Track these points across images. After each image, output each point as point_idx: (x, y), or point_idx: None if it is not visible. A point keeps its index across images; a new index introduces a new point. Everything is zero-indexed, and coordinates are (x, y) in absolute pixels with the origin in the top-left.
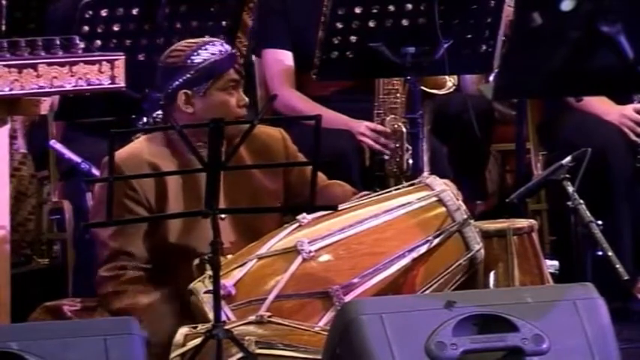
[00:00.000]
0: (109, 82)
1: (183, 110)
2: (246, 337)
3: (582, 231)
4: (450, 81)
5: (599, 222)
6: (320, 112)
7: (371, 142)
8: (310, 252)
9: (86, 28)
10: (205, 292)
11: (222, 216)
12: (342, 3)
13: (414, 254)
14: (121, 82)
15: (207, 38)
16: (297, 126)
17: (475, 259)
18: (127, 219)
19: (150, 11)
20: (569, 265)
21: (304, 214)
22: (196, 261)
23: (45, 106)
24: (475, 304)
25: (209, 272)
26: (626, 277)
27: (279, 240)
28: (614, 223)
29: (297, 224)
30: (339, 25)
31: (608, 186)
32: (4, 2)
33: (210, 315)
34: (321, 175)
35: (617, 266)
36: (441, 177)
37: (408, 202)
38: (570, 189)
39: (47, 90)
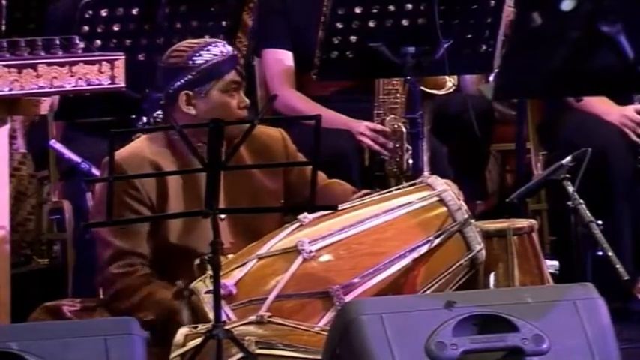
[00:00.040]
0: (109, 82)
1: (185, 111)
2: (247, 337)
3: (582, 231)
4: (450, 81)
5: (599, 222)
6: (320, 112)
7: (370, 143)
8: (311, 252)
9: (86, 28)
10: (206, 292)
11: (222, 216)
12: (342, 3)
13: (415, 254)
14: (120, 82)
15: (209, 39)
16: (297, 126)
17: (476, 259)
18: (127, 219)
19: (150, 11)
20: (569, 265)
21: (305, 214)
22: (197, 261)
23: (45, 106)
24: (475, 304)
25: (210, 272)
26: (626, 277)
27: (280, 240)
28: (614, 223)
29: (297, 224)
30: (339, 25)
31: (608, 186)
32: (4, 2)
33: (211, 315)
34: (321, 174)
35: (617, 266)
36: (442, 177)
37: (409, 202)
38: (570, 189)
39: (47, 90)
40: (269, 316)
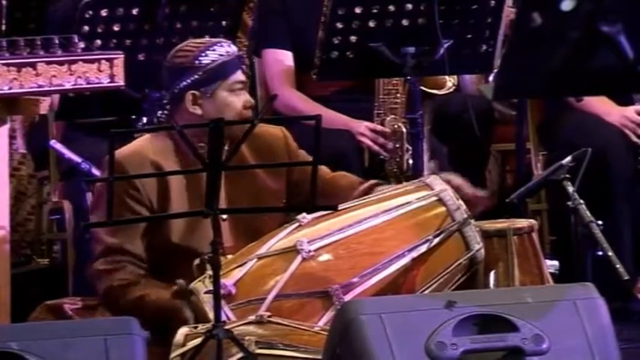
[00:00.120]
0: (108, 80)
1: (191, 111)
2: (247, 337)
3: (582, 231)
4: (450, 81)
5: (600, 222)
6: (320, 112)
7: (369, 143)
8: (310, 251)
9: (86, 27)
10: (205, 292)
11: (224, 216)
12: (342, 3)
13: (414, 254)
14: (120, 81)
15: (214, 39)
16: (298, 126)
17: (475, 258)
18: (128, 219)
19: (150, 11)
20: (569, 265)
21: (304, 214)
22: (196, 261)
23: (44, 106)
24: (475, 304)
25: (209, 272)
26: (626, 277)
27: (279, 240)
28: (615, 223)
29: (296, 224)
30: (339, 25)
31: (608, 186)
32: (4, 2)
33: (211, 315)
34: (325, 169)
35: (617, 266)
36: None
37: (408, 202)
38: (570, 189)
39: (46, 89)
40: (269, 316)
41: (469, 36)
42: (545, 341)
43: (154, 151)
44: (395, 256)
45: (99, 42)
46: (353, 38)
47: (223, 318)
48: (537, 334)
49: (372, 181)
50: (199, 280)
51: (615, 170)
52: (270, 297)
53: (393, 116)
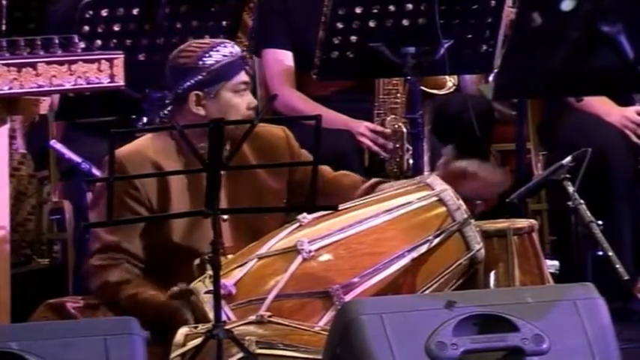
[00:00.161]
0: (108, 80)
1: (194, 112)
2: (247, 337)
3: (582, 231)
4: (450, 81)
5: (600, 222)
6: (320, 112)
7: (369, 143)
8: (310, 252)
9: (86, 28)
10: (206, 292)
11: (225, 216)
12: (342, 3)
13: (414, 254)
14: (120, 81)
15: (218, 39)
16: (298, 126)
17: (475, 258)
18: (128, 219)
19: (150, 11)
20: (570, 265)
21: (304, 214)
22: (197, 261)
23: (44, 106)
24: (475, 304)
25: (209, 272)
26: (626, 277)
27: (280, 240)
28: (615, 223)
29: (297, 224)
30: (340, 25)
31: (608, 186)
32: (4, 2)
33: (211, 315)
34: (327, 169)
35: (617, 266)
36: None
37: (408, 202)
38: (570, 189)
39: (46, 89)
40: (269, 316)
41: (469, 36)
42: (546, 341)
43: (155, 150)
44: (395, 256)
45: (99, 42)
46: (353, 38)
47: (223, 318)
48: (537, 334)
49: (375, 180)
50: (199, 280)
51: (615, 170)
52: (271, 297)
53: (393, 116)
